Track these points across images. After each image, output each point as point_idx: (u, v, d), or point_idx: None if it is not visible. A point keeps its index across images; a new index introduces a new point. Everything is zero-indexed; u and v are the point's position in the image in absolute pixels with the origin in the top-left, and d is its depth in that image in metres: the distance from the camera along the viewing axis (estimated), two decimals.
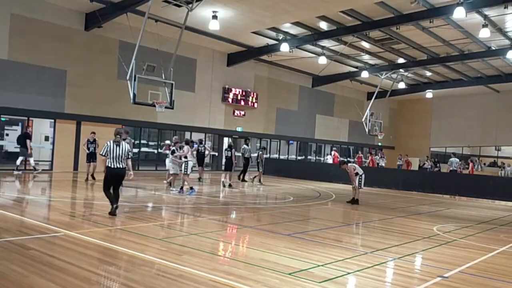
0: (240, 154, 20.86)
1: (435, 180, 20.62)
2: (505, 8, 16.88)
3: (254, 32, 21.95)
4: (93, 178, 15.48)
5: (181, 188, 13.64)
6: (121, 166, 8.93)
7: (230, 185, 16.74)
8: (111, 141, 8.92)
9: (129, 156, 9.18)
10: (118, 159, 8.86)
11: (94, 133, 16.17)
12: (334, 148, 33.07)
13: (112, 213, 8.83)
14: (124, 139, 9.42)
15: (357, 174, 13.58)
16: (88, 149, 15.60)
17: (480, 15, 18.21)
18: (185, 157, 13.60)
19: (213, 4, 17.78)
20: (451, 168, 22.10)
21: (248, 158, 19.63)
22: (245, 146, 19.71)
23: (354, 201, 13.65)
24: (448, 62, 26.24)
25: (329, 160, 27.53)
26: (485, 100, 35.01)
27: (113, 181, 9.00)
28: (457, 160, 22.99)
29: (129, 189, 13.92)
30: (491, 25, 19.21)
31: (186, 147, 13.70)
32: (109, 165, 8.85)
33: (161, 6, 17.66)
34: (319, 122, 33.57)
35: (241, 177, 19.80)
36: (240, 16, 19.29)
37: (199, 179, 18.33)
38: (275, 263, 5.93)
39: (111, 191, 8.98)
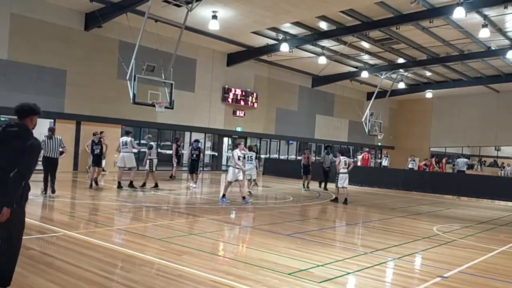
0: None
1: (435, 180, 20.63)
2: (505, 8, 16.87)
3: (254, 32, 21.94)
4: (96, 183, 14.00)
5: (223, 195, 12.59)
6: (54, 156, 11.26)
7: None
8: (45, 136, 11.21)
9: (62, 146, 11.54)
10: (52, 150, 11.17)
11: (98, 133, 14.75)
12: (366, 150, 31.57)
13: (42, 194, 11.16)
14: (52, 136, 11.41)
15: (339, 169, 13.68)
16: (93, 151, 14.05)
17: (480, 15, 18.20)
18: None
19: (213, 4, 17.77)
20: (458, 169, 22.14)
21: (329, 168, 18.03)
22: (325, 155, 18.47)
23: (345, 201, 13.57)
24: (448, 62, 26.23)
25: (358, 162, 26.10)
26: (485, 100, 35.01)
27: (49, 168, 11.22)
28: (464, 160, 23.10)
29: (129, 189, 13.91)
30: (491, 25, 19.20)
31: (235, 152, 12.44)
32: (45, 155, 10.98)
33: (161, 6, 17.66)
34: (319, 122, 33.57)
35: (324, 186, 18.36)
36: (240, 16, 19.28)
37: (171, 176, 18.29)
38: (275, 263, 5.93)
39: (48, 177, 11.27)
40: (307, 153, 18.67)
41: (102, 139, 14.63)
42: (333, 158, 17.54)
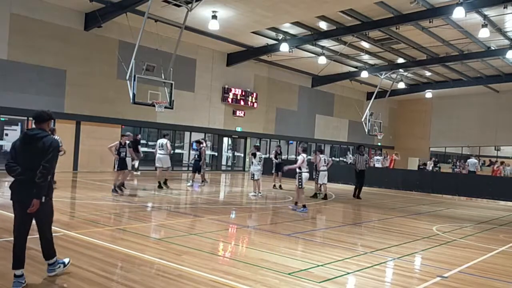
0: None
1: (435, 180, 20.63)
2: (504, 8, 16.89)
3: (254, 32, 21.95)
4: (122, 188, 13.00)
5: (295, 203, 11.71)
6: None
7: (280, 187, 17.47)
8: None
9: (60, 146, 11.96)
10: None
11: (127, 135, 13.90)
12: (395, 153, 30.41)
13: None
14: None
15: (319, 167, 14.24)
16: (119, 154, 13.00)
17: (480, 15, 18.21)
18: (299, 167, 11.61)
19: (212, 4, 17.77)
20: (469, 169, 22.20)
21: (363, 171, 15.70)
22: (358, 156, 15.93)
23: (325, 197, 14.58)
24: (448, 62, 26.26)
25: (378, 163, 24.74)
26: (484, 100, 35.02)
27: None
28: (475, 161, 23.12)
29: (129, 189, 13.91)
30: (491, 25, 19.22)
31: (300, 156, 11.72)
32: None
33: (161, 6, 17.66)
34: (318, 122, 33.58)
35: (357, 194, 15.70)
36: (240, 16, 19.29)
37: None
38: (274, 263, 5.93)
39: None
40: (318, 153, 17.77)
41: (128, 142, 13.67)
42: (368, 158, 16.35)
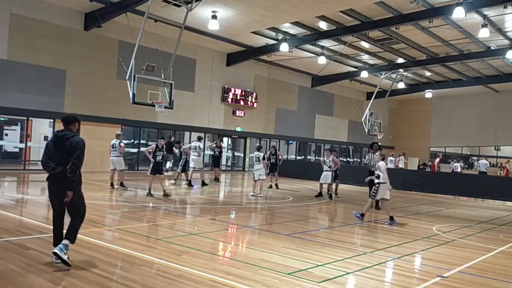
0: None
1: (435, 180, 20.63)
2: (504, 8, 16.89)
3: (253, 32, 21.94)
4: (167, 194, 12.59)
5: (362, 214, 10.33)
6: None
7: (277, 186, 17.84)
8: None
9: None
10: None
11: (163, 138, 13.94)
12: (438, 155, 28.82)
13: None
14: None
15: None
16: (155, 157, 12.53)
17: (480, 15, 18.21)
18: (378, 176, 10.20)
19: (212, 3, 17.76)
20: (480, 170, 22.21)
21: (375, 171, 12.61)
22: (372, 154, 13.08)
23: (319, 195, 15.03)
24: (448, 62, 26.25)
25: (391, 164, 23.28)
26: (484, 100, 35.02)
27: None
28: (486, 162, 23.10)
29: (129, 189, 13.91)
30: (491, 25, 19.21)
31: (381, 164, 10.24)
32: None
33: (161, 6, 17.66)
34: (318, 122, 33.57)
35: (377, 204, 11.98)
36: (240, 16, 19.28)
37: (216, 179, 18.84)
38: (274, 263, 5.93)
39: None
40: (335, 154, 15.77)
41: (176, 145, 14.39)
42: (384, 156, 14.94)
